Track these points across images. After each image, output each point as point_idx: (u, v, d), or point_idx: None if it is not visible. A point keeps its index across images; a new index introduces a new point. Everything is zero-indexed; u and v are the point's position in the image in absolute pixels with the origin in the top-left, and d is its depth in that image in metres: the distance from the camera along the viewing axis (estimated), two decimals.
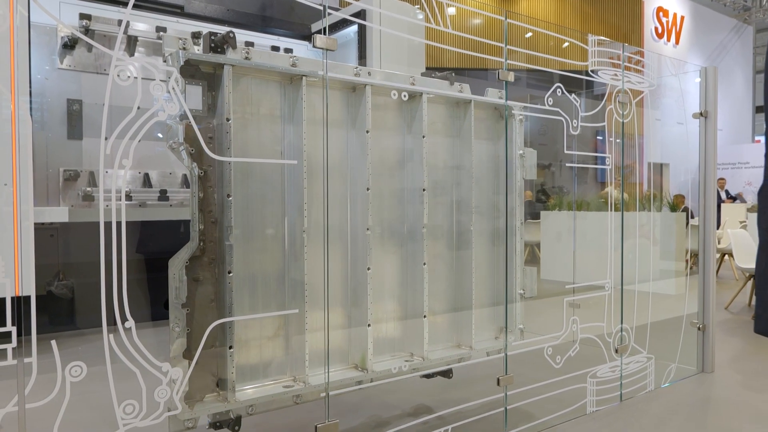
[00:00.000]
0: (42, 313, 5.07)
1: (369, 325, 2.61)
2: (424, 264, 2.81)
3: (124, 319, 1.73)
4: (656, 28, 15.33)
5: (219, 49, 2.15)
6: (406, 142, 2.87)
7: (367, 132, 2.62)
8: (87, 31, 5.29)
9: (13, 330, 1.60)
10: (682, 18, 16.19)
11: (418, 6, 3.20)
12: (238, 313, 2.23)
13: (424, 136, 2.81)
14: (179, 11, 5.96)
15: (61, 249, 5.29)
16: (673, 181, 10.86)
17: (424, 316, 2.80)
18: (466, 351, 2.99)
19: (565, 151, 3.27)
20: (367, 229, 2.62)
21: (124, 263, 1.87)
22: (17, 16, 1.81)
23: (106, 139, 1.87)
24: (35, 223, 2.15)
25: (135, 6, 2.06)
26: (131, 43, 5.59)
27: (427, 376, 2.97)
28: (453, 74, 2.99)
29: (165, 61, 2.03)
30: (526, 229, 10.52)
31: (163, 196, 5.45)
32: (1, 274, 1.58)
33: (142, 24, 5.71)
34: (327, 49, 2.24)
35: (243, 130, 2.28)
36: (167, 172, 5.75)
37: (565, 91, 3.13)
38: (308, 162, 2.37)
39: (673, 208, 7.84)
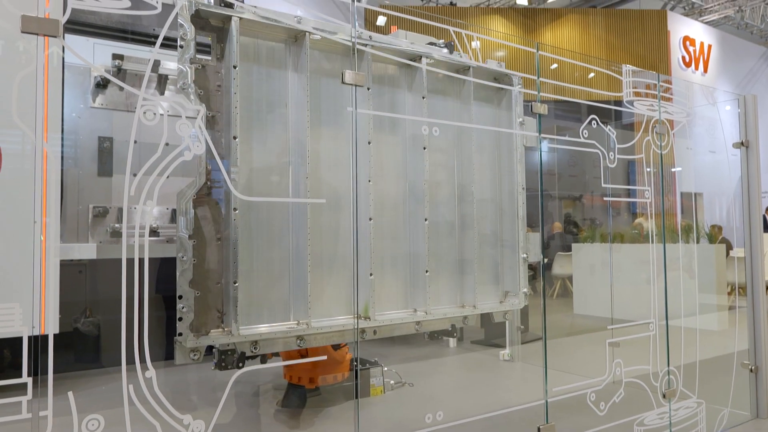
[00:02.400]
0: (68, 350, 5.04)
1: (371, 275, 2.66)
2: (426, 220, 2.85)
3: (144, 368, 1.64)
4: (683, 57, 15.17)
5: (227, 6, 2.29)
6: (407, 103, 2.93)
7: (368, 89, 2.69)
8: (119, 70, 5.38)
9: (29, 381, 1.52)
10: (710, 46, 16.01)
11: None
12: (243, 250, 2.28)
13: (424, 97, 2.88)
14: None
15: (88, 285, 5.29)
16: (707, 211, 10.56)
17: (426, 272, 2.84)
18: (469, 309, 3.02)
19: (603, 185, 3.15)
20: (369, 180, 2.71)
21: (146, 303, 1.81)
22: (53, 58, 1.80)
23: (134, 175, 1.86)
24: (64, 260, 2.11)
25: (165, 46, 2.06)
26: (162, 81, 5.67)
27: (432, 336, 3.01)
28: (453, 43, 3.09)
29: (176, 14, 2.13)
30: (556, 262, 10.30)
31: None
32: (18, 321, 1.51)
33: (173, 63, 5.80)
34: (356, 85, 2.21)
35: (248, 79, 2.41)
36: None
37: (600, 123, 3.03)
38: (311, 112, 2.48)
39: (711, 239, 7.57)
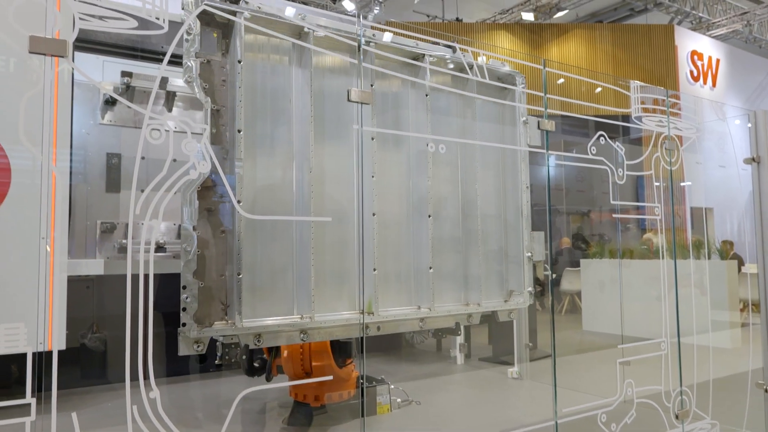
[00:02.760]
0: (74, 365, 5.01)
1: (374, 270, 2.64)
2: (429, 216, 2.84)
3: (148, 388, 1.62)
4: (691, 72, 15.14)
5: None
6: (410, 99, 2.94)
7: (372, 85, 2.69)
8: (128, 87, 5.42)
9: (33, 402, 1.50)
10: (718, 61, 15.98)
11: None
12: (247, 243, 2.29)
13: (427, 95, 2.90)
14: None
15: (95, 301, 5.29)
16: (718, 226, 10.46)
17: (430, 268, 2.84)
18: (474, 307, 3.01)
19: (612, 201, 3.12)
20: (372, 175, 2.71)
21: (151, 320, 1.79)
22: (63, 75, 1.80)
23: (141, 191, 1.86)
24: (72, 276, 2.12)
25: (173, 63, 2.08)
26: (170, 98, 5.71)
27: (437, 335, 2.88)
28: (456, 44, 3.12)
29: (183, 9, 2.16)
30: (565, 277, 10.21)
31: None
32: (22, 341, 1.50)
33: (181, 80, 5.84)
34: (362, 103, 2.21)
35: (252, 74, 2.43)
36: None
37: (608, 139, 3.01)
38: (315, 108, 2.50)
39: (722, 255, 7.49)
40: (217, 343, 2.28)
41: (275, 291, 2.48)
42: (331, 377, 3.41)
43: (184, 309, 2.13)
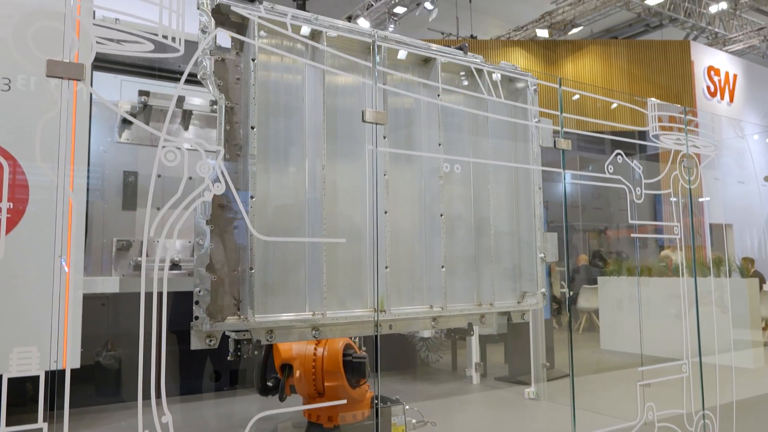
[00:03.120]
0: (89, 383, 5.01)
1: (386, 267, 2.65)
2: (441, 215, 2.84)
3: (160, 412, 1.61)
4: (708, 87, 15.03)
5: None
6: (423, 101, 2.97)
7: (384, 84, 2.71)
8: (145, 106, 5.49)
9: (45, 426, 1.49)
10: (735, 76, 15.85)
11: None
12: (260, 208, 2.33)
13: (438, 95, 2.91)
14: None
15: (111, 319, 5.31)
16: (738, 243, 10.28)
17: (442, 267, 2.83)
18: (487, 307, 3.01)
19: (630, 221, 3.07)
20: (384, 173, 2.71)
21: (164, 338, 1.78)
22: (81, 95, 1.82)
23: (157, 209, 1.86)
24: (87, 294, 2.13)
25: (189, 82, 2.10)
26: (186, 116, 5.77)
27: (449, 335, 2.89)
28: (467, 45, 3.17)
29: (199, 8, 2.20)
30: (582, 295, 10.08)
31: None
32: (35, 365, 1.49)
33: (198, 99, 5.90)
34: (376, 123, 2.21)
35: (266, 72, 2.49)
36: None
37: (625, 158, 2.97)
38: (327, 106, 2.55)
39: (743, 272, 7.35)
40: (229, 339, 2.30)
41: (287, 288, 2.50)
42: (344, 401, 3.37)
43: (197, 302, 2.16)
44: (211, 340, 2.20)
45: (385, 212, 2.68)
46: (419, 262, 2.92)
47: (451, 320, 2.92)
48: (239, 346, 2.37)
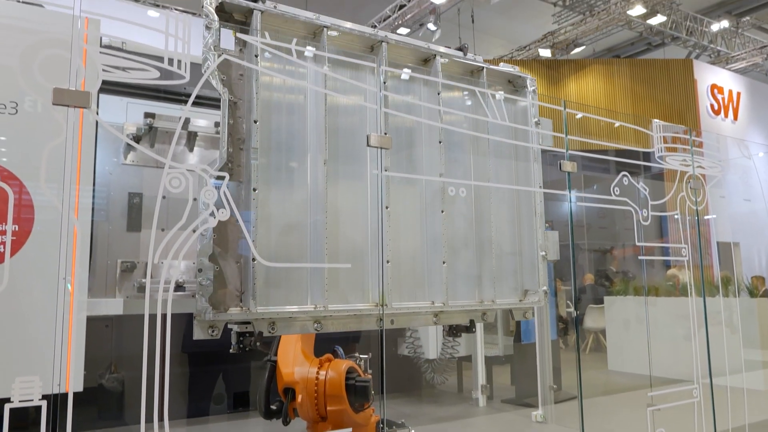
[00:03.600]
0: (92, 406, 4.96)
1: (387, 262, 2.64)
2: (442, 211, 2.84)
3: None
4: (712, 105, 15.05)
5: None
6: (423, 96, 2.96)
7: (385, 83, 2.74)
8: (151, 128, 5.52)
9: None
10: (738, 94, 15.88)
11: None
12: (262, 231, 2.33)
13: (439, 93, 2.93)
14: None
15: (114, 340, 5.28)
16: (745, 261, 10.20)
17: (444, 263, 2.82)
18: (488, 304, 3.01)
19: (637, 243, 3.05)
20: (386, 169, 2.70)
21: (168, 365, 1.76)
22: (87, 119, 1.82)
23: (162, 230, 1.86)
24: (91, 315, 2.13)
25: (196, 104, 2.11)
26: (191, 138, 5.80)
27: (451, 333, 3.01)
28: (467, 45, 3.21)
29: (203, 6, 2.24)
30: (588, 315, 9.99)
31: None
32: (37, 394, 1.47)
33: (203, 120, 5.94)
34: (381, 148, 2.21)
35: (270, 69, 2.52)
36: None
37: (631, 180, 2.96)
38: (329, 104, 2.57)
39: (752, 291, 7.27)
40: (232, 332, 2.30)
41: (290, 282, 2.52)
42: (350, 429, 3.32)
43: (200, 292, 2.18)
44: (213, 331, 2.22)
45: (387, 207, 2.69)
46: (420, 257, 2.94)
47: (453, 316, 2.93)
48: (241, 339, 2.38)
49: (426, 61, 3.00)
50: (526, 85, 3.24)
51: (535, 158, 3.24)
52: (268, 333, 2.39)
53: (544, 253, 3.19)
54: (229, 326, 2.33)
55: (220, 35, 2.30)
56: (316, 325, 2.51)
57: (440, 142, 2.88)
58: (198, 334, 2.18)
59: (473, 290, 3.05)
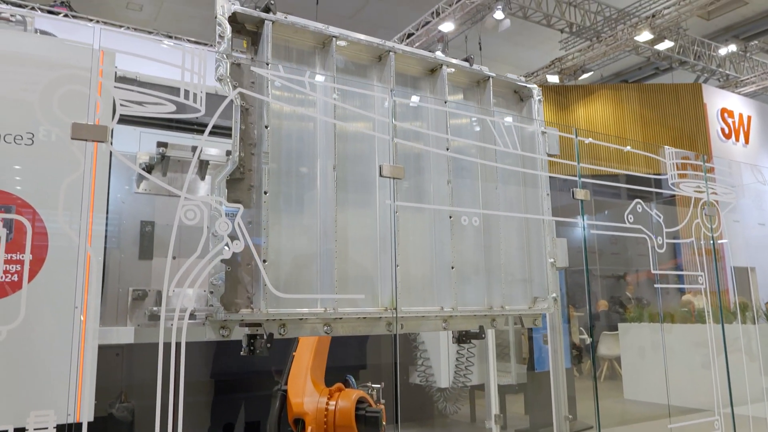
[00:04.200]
0: None
1: (397, 266, 2.64)
2: (450, 217, 2.84)
3: None
4: (722, 129, 15.01)
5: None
6: (431, 124, 2.99)
7: (392, 90, 2.77)
8: (163, 157, 5.58)
9: None
10: (749, 117, 15.83)
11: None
12: (273, 233, 2.36)
13: (446, 102, 2.96)
14: None
15: (125, 369, 5.25)
16: (762, 287, 10.04)
17: (452, 267, 2.82)
18: (498, 311, 3.00)
19: (653, 271, 3.01)
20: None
21: (182, 391, 1.74)
22: (102, 150, 1.84)
23: (174, 257, 1.86)
24: (102, 344, 2.15)
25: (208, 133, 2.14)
26: (202, 166, 5.84)
27: (460, 341, 3.01)
28: (472, 57, 3.24)
29: (216, 17, 2.33)
30: (602, 342, 9.81)
31: None
32: (51, 428, 1.46)
33: (214, 149, 5.99)
34: (394, 178, 2.22)
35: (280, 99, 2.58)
36: None
37: (645, 207, 2.94)
38: (338, 116, 2.60)
39: None
40: (243, 335, 2.30)
41: (300, 285, 2.55)
42: None
43: (212, 292, 2.21)
44: (224, 331, 2.24)
45: (396, 212, 2.69)
46: (430, 263, 2.94)
47: (462, 322, 2.92)
48: (252, 341, 2.37)
49: (433, 71, 3.04)
50: (532, 95, 3.26)
51: (543, 167, 3.24)
52: (279, 335, 2.41)
53: (552, 260, 3.17)
54: (240, 326, 2.35)
55: (231, 44, 2.37)
56: (326, 327, 2.53)
57: (447, 149, 2.89)
58: (210, 334, 2.20)
59: (482, 296, 3.03)
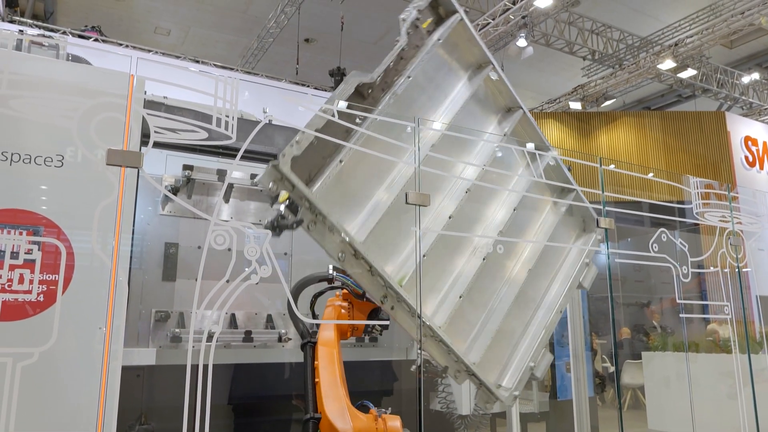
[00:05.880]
0: None
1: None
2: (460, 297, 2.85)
3: None
4: (746, 157, 14.81)
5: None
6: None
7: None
8: (189, 180, 5.68)
9: None
10: None
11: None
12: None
13: (482, 167, 3.03)
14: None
15: (145, 391, 5.27)
16: None
17: (460, 296, 2.85)
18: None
19: (677, 300, 2.98)
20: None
21: (208, 415, 1.76)
22: (131, 176, 1.90)
23: (195, 279, 1.88)
24: (123, 365, 2.18)
25: (232, 156, 2.18)
26: (227, 190, 5.93)
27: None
28: None
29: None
30: (626, 371, 9.58)
31: (248, 337, 5.43)
32: None
33: (238, 172, 6.09)
34: (420, 205, 2.25)
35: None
36: (253, 312, 5.78)
37: (670, 236, 2.92)
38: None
39: None
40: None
41: None
42: None
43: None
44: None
45: (424, 255, 2.71)
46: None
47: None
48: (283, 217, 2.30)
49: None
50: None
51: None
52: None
53: (533, 364, 3.23)
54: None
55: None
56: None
57: (467, 192, 2.92)
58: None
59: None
